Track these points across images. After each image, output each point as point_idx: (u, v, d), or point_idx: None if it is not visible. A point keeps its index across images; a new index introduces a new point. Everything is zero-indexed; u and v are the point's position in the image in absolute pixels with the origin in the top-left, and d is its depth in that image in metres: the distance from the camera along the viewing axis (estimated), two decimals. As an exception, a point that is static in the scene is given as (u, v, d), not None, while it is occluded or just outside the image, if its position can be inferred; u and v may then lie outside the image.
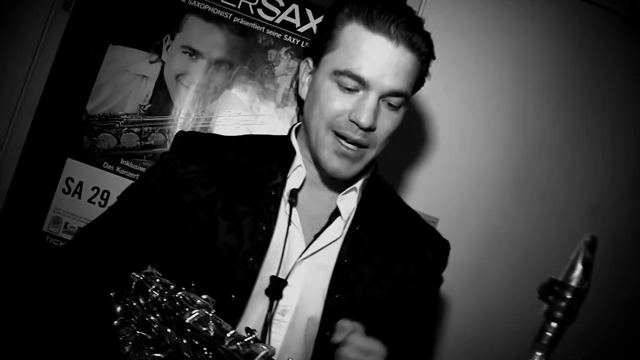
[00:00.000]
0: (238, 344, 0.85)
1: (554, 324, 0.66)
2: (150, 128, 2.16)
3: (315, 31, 2.19)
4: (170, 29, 2.16)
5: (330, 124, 1.10)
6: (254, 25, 2.19)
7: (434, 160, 2.33)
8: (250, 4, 2.19)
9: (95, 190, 2.15)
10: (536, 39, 2.37)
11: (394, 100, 1.09)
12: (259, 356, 0.83)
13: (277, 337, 1.14)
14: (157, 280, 0.99)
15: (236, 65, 2.19)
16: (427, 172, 2.33)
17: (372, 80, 1.05)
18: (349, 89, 1.07)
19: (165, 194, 1.17)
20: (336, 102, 1.08)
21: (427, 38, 1.12)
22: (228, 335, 0.86)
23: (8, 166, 2.13)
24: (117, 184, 2.14)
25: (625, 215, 2.48)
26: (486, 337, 2.38)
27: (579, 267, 0.67)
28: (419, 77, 1.15)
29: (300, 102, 1.23)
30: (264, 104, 2.20)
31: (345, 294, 1.14)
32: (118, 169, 2.15)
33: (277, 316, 1.13)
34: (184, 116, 2.16)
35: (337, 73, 1.08)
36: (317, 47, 1.15)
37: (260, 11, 2.19)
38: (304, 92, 1.18)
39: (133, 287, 0.99)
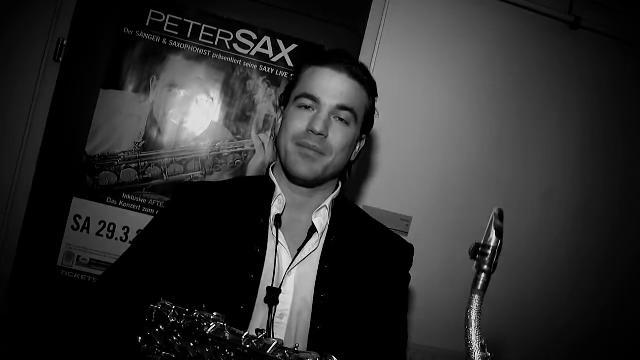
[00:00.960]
0: (253, 341, 1.05)
1: (483, 274, 0.87)
2: (147, 162, 2.36)
3: (287, 60, 2.42)
4: (155, 70, 2.35)
5: (293, 137, 1.32)
6: (231, 60, 2.40)
7: (404, 165, 2.59)
8: (226, 40, 2.39)
9: (102, 224, 2.35)
10: (488, 46, 2.64)
11: (343, 114, 1.32)
12: (272, 346, 1.03)
13: (279, 337, 1.30)
14: (173, 307, 1.17)
15: (219, 98, 2.39)
16: (399, 176, 2.59)
17: (322, 99, 1.30)
18: (306, 107, 1.32)
19: (172, 236, 1.36)
20: (297, 120, 1.32)
21: (365, 70, 1.37)
22: (243, 337, 1.06)
23: (19, 209, 2.30)
24: (121, 217, 2.35)
25: (576, 196, 2.79)
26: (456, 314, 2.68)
27: (493, 231, 0.87)
28: (367, 105, 1.40)
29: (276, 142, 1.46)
30: (247, 130, 2.42)
31: (328, 293, 1.34)
32: (121, 202, 2.35)
33: (276, 320, 1.33)
34: (176, 149, 2.37)
35: (297, 97, 1.33)
36: (286, 93, 1.41)
37: (235, 46, 2.40)
38: (277, 130, 1.42)
39: (154, 316, 1.17)
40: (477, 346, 0.85)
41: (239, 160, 2.42)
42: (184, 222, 1.36)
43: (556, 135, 2.75)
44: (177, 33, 2.36)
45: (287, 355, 1.02)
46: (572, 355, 2.84)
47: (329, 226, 1.41)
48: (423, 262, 2.62)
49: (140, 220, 2.37)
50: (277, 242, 1.34)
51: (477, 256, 0.88)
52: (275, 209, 1.37)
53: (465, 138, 2.65)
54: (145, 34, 2.34)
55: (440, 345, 2.63)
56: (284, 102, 1.42)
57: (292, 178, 1.37)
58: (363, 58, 2.48)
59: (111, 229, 2.36)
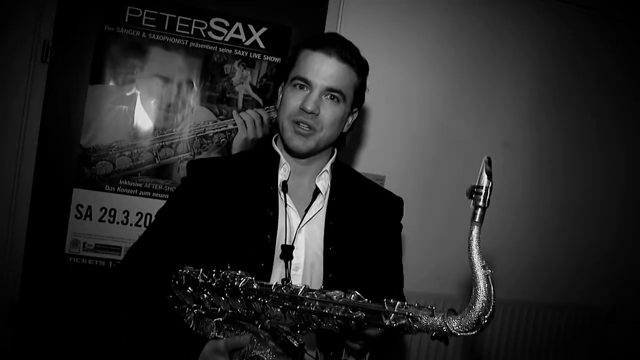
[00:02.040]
0: (282, 288, 1.22)
1: (479, 209, 1.05)
2: (139, 149, 2.53)
3: (259, 42, 2.62)
4: (138, 63, 2.51)
5: (289, 115, 1.46)
6: (207, 47, 2.58)
7: (376, 129, 2.82)
8: (200, 28, 2.57)
9: (103, 210, 2.52)
10: (444, 17, 2.89)
11: (333, 94, 1.45)
12: (301, 289, 1.20)
13: None
14: (201, 270, 1.33)
15: (199, 83, 2.58)
16: (371, 140, 2.81)
17: (313, 81, 1.44)
18: (300, 87, 1.47)
19: (191, 209, 1.51)
20: (292, 99, 1.46)
21: (356, 55, 1.50)
22: (272, 286, 1.23)
23: (23, 205, 2.44)
24: (120, 202, 2.53)
25: (527, 148, 3.08)
26: (431, 258, 2.96)
27: (485, 174, 1.05)
28: (356, 83, 1.52)
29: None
30: (228, 110, 2.61)
31: (335, 246, 1.51)
32: (119, 188, 2.52)
33: (292, 272, 1.47)
34: (165, 134, 2.55)
35: (293, 79, 1.47)
36: (285, 72, 1.57)
37: (210, 33, 2.58)
38: (278, 105, 1.57)
39: (183, 279, 1.34)
40: (479, 265, 1.03)
41: (223, 139, 2.62)
42: (200, 195, 1.51)
43: (509, 92, 3.03)
44: (154, 26, 2.52)
45: (315, 295, 1.18)
46: (529, 288, 3.15)
47: (330, 187, 1.58)
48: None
49: (138, 203, 2.55)
50: (286, 204, 1.50)
51: (473, 195, 1.06)
52: (281, 176, 1.53)
53: (429, 102, 2.90)
54: (125, 30, 2.49)
55: (415, 289, 2.87)
56: (283, 79, 1.56)
57: (289, 151, 1.53)
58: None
59: (112, 214, 2.53)
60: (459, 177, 2.94)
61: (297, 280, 1.47)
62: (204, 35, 2.57)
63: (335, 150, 1.63)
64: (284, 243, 1.47)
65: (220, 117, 2.61)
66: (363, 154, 2.81)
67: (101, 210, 2.52)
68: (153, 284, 1.44)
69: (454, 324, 1.04)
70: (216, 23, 2.58)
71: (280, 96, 1.56)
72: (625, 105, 3.25)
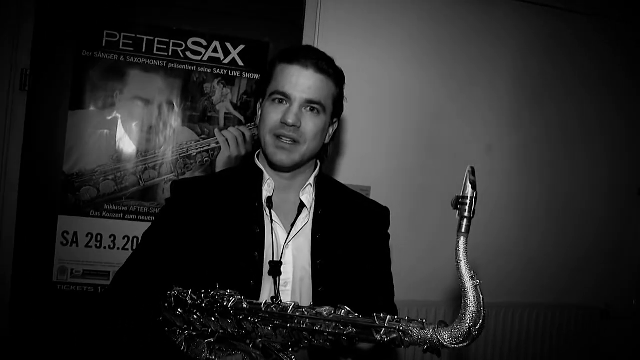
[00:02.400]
0: (272, 307, 1.20)
1: (465, 219, 1.05)
2: (122, 173, 2.52)
3: (237, 60, 2.63)
4: (117, 86, 2.52)
5: (270, 129, 1.45)
6: (186, 67, 2.58)
7: (358, 140, 2.82)
8: (178, 49, 2.57)
9: (89, 236, 2.51)
10: (421, 21, 2.90)
11: (313, 106, 1.46)
12: (290, 307, 1.18)
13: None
14: (189, 291, 1.31)
15: (180, 104, 2.58)
16: (354, 151, 2.82)
17: (292, 94, 1.44)
18: (279, 101, 1.45)
19: (175, 229, 1.51)
20: (272, 114, 1.45)
21: (333, 66, 1.51)
22: (262, 304, 1.21)
23: (8, 235, 2.43)
24: (106, 226, 2.52)
25: (512, 149, 3.10)
26: (421, 265, 2.95)
27: (469, 185, 1.04)
28: (335, 93, 1.53)
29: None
30: (210, 129, 2.61)
31: (323, 259, 1.51)
32: (104, 213, 2.52)
33: (281, 288, 1.47)
34: (147, 156, 2.54)
35: (272, 94, 1.47)
36: (262, 87, 1.56)
37: (188, 53, 2.59)
38: (257, 121, 1.57)
39: (172, 301, 1.33)
40: (468, 276, 1.03)
41: (207, 158, 2.61)
42: (185, 214, 1.50)
43: (491, 93, 3.05)
44: (132, 49, 2.53)
45: (305, 312, 1.17)
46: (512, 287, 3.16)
47: (315, 201, 1.58)
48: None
49: (124, 227, 2.54)
50: (272, 220, 1.50)
51: (458, 206, 1.06)
52: (266, 192, 1.53)
53: (410, 108, 2.91)
54: (103, 54, 2.50)
55: (404, 297, 2.86)
56: (261, 95, 1.55)
57: (274, 166, 1.53)
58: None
59: (98, 239, 2.52)
60: (446, 183, 2.95)
61: (286, 296, 1.49)
62: (182, 56, 2.58)
63: (318, 162, 1.64)
64: (271, 259, 1.48)
65: (203, 136, 2.61)
66: (346, 165, 2.81)
67: (87, 235, 2.51)
68: (142, 307, 1.43)
69: (445, 336, 1.04)
70: (194, 43, 2.59)
71: (260, 112, 1.55)
72: (606, 100, 3.27)
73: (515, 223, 3.12)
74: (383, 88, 2.86)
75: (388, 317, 1.11)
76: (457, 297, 2.98)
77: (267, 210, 1.51)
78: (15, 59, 2.42)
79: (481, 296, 1.02)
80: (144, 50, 2.54)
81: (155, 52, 2.55)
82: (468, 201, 1.05)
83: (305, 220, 1.55)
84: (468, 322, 1.01)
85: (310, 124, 1.46)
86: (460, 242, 1.06)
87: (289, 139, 1.45)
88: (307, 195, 1.56)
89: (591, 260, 3.26)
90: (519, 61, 3.09)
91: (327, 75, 1.48)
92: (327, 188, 1.63)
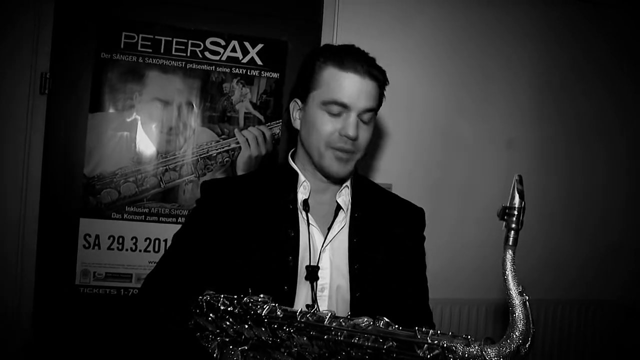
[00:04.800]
0: (307, 316, 1.15)
1: (512, 232, 1.00)
2: (143, 175, 2.52)
3: (256, 59, 2.62)
4: (136, 88, 2.51)
5: (327, 142, 1.41)
6: (204, 67, 2.57)
7: (378, 137, 2.80)
8: (197, 49, 2.56)
9: (111, 238, 2.50)
10: (439, 19, 2.88)
11: (366, 116, 1.43)
12: (327, 317, 1.14)
13: (323, 309, 1.43)
14: (222, 296, 1.27)
15: (199, 104, 2.57)
16: (374, 148, 2.81)
17: (351, 104, 1.38)
18: (335, 114, 1.40)
19: (207, 231, 1.46)
20: (328, 125, 1.40)
21: (381, 70, 1.46)
22: (297, 312, 1.16)
23: (30, 239, 2.43)
24: (127, 229, 2.51)
25: (531, 144, 3.07)
26: (442, 262, 2.93)
27: (517, 194, 1.00)
28: (380, 98, 1.49)
29: (293, 132, 1.59)
30: (230, 129, 2.60)
31: (360, 263, 1.48)
32: (125, 215, 2.51)
33: (318, 294, 1.45)
34: (168, 157, 2.54)
35: (325, 103, 1.40)
36: (302, 89, 1.50)
37: (207, 54, 2.58)
38: (297, 124, 1.53)
39: (204, 306, 1.30)
40: (516, 292, 0.98)
41: (227, 159, 2.60)
42: (217, 216, 1.47)
43: (509, 89, 3.02)
44: (151, 50, 2.52)
45: (343, 323, 1.12)
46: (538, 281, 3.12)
47: (352, 203, 1.54)
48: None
49: (145, 229, 2.53)
50: (308, 223, 1.47)
51: (505, 217, 1.01)
52: (301, 194, 1.50)
53: (429, 104, 2.89)
54: (121, 56, 2.49)
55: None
56: (299, 96, 1.50)
57: (329, 177, 1.49)
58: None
59: (120, 241, 2.51)
60: (465, 179, 2.95)
61: (323, 302, 1.47)
62: (200, 56, 2.57)
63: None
64: (308, 264, 1.45)
65: (223, 136, 2.60)
66: (367, 162, 2.79)
67: (109, 238, 2.50)
68: (174, 312, 1.40)
69: (492, 354, 0.99)
70: (212, 43, 2.58)
71: (300, 114, 1.51)
72: (624, 95, 3.23)
73: (537, 219, 3.07)
74: (401, 86, 2.82)
75: (431, 331, 1.06)
76: (480, 294, 2.97)
77: (303, 213, 1.48)
78: (34, 63, 2.41)
79: (530, 313, 0.98)
80: (162, 51, 2.53)
81: (173, 52, 2.54)
82: (516, 212, 1.00)
83: (342, 223, 1.52)
84: (517, 340, 0.97)
85: (366, 134, 1.45)
86: (507, 255, 1.01)
87: (349, 152, 1.42)
88: (344, 197, 1.53)
89: (616, 257, 3.22)
90: (536, 55, 3.06)
91: (378, 82, 1.45)
92: (363, 189, 1.60)
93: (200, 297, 1.31)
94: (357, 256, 1.50)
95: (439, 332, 1.05)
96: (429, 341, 1.04)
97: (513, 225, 1.00)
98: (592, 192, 3.19)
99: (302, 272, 1.45)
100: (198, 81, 2.57)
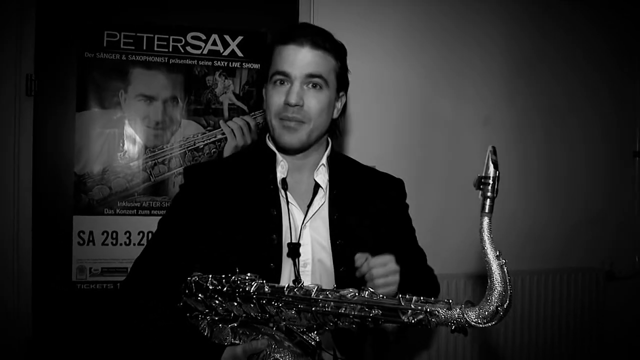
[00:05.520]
0: (295, 290, 1.21)
1: (488, 199, 1.06)
2: (132, 170, 2.56)
3: (237, 51, 2.68)
4: (121, 85, 2.55)
5: (276, 113, 1.45)
6: (187, 61, 2.63)
7: (359, 120, 2.87)
8: (178, 45, 2.61)
9: (105, 234, 2.54)
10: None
11: (313, 81, 1.45)
12: (314, 290, 1.20)
13: (306, 283, 1.45)
14: (210, 276, 1.33)
15: (184, 98, 2.62)
16: (355, 131, 2.87)
17: (292, 72, 1.43)
18: (281, 82, 1.45)
19: (191, 215, 1.50)
20: (275, 97, 1.45)
21: (329, 39, 1.50)
22: (285, 287, 1.22)
23: (25, 239, 2.46)
24: (120, 223, 2.56)
25: (507, 120, 3.17)
26: (430, 239, 3.00)
27: (491, 165, 1.05)
28: (336, 67, 1.51)
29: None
30: (215, 121, 2.66)
31: (342, 239, 1.52)
32: (117, 210, 2.55)
33: (301, 269, 1.48)
34: (156, 151, 2.59)
35: (271, 75, 1.47)
36: (263, 74, 1.55)
37: (188, 48, 2.63)
38: (265, 106, 1.57)
39: (193, 287, 1.33)
40: (493, 256, 1.04)
41: (214, 150, 2.66)
42: (200, 199, 1.51)
43: (484, 65, 3.11)
44: (133, 47, 2.56)
45: (329, 295, 1.18)
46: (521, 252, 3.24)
47: (330, 180, 1.57)
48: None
49: (138, 223, 2.58)
50: (288, 202, 1.51)
51: (481, 186, 1.06)
52: (280, 173, 1.53)
53: (407, 85, 2.96)
54: (105, 54, 2.53)
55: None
56: (264, 80, 1.55)
57: (282, 149, 1.52)
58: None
59: (114, 236, 2.56)
60: (446, 157, 3.03)
61: (306, 277, 1.50)
62: (182, 51, 2.62)
63: (330, 140, 1.63)
64: (290, 241, 1.48)
65: (208, 128, 2.65)
66: (349, 145, 2.86)
67: (103, 234, 2.55)
68: (162, 294, 1.44)
69: (472, 316, 1.05)
70: (193, 37, 2.63)
71: (265, 95, 1.55)
72: (595, 66, 3.34)
73: (515, 191, 3.16)
74: (379, 68, 2.90)
75: (413, 298, 1.11)
76: (467, 268, 3.06)
77: (282, 192, 1.51)
78: (19, 65, 2.44)
79: (507, 276, 1.04)
80: (144, 48, 2.58)
81: (155, 49, 2.59)
82: (491, 181, 1.05)
83: (322, 200, 1.55)
84: (495, 301, 1.03)
85: (314, 101, 1.45)
86: (484, 223, 1.06)
87: (294, 120, 1.45)
88: (322, 176, 1.56)
89: (594, 225, 3.33)
90: (509, 34, 3.15)
91: (324, 50, 1.47)
92: (341, 166, 1.63)
93: (188, 279, 1.37)
94: (339, 232, 1.53)
95: (422, 298, 1.12)
96: (413, 307, 1.10)
97: (489, 194, 1.06)
98: (568, 163, 3.29)
99: (285, 249, 1.49)
100: (181, 76, 2.62)
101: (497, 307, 1.03)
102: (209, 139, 2.65)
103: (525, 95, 3.20)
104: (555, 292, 3.16)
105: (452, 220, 3.00)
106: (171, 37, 2.61)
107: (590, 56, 3.33)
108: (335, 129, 1.64)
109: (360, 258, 1.42)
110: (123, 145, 2.56)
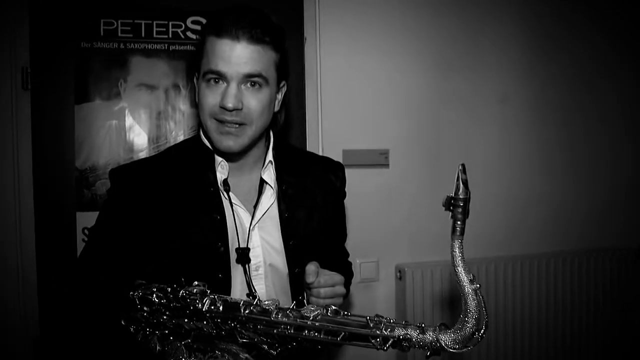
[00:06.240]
0: (251, 307, 1.10)
1: (458, 222, 0.99)
2: (136, 162, 2.47)
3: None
4: (120, 75, 2.45)
5: (210, 114, 1.32)
6: (188, 47, 2.52)
7: (372, 103, 2.77)
8: (178, 30, 2.51)
9: (110, 230, 2.45)
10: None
11: (253, 80, 1.31)
12: (273, 310, 1.09)
13: (260, 288, 1.42)
14: (154, 289, 1.20)
15: (186, 85, 2.52)
16: (369, 115, 2.77)
17: (227, 73, 1.28)
18: (215, 81, 1.30)
19: (123, 223, 1.37)
20: (209, 97, 1.31)
21: (267, 28, 1.31)
22: (240, 304, 1.11)
23: (28, 238, 2.38)
24: (126, 218, 2.45)
25: (527, 98, 3.03)
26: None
27: (461, 184, 0.99)
28: (276, 59, 1.36)
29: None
30: (220, 108, 2.55)
31: (295, 238, 1.45)
32: (122, 205, 2.46)
33: (253, 273, 1.41)
34: (160, 142, 2.49)
35: (204, 74, 1.31)
36: (196, 63, 1.38)
37: (189, 33, 2.52)
38: (197, 99, 1.42)
39: (137, 301, 1.20)
40: (467, 281, 0.99)
41: (220, 138, 2.55)
42: (131, 205, 1.38)
43: (501, 45, 2.98)
44: (131, 35, 2.46)
45: (290, 314, 1.08)
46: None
47: (277, 177, 1.48)
48: (406, 186, 2.82)
49: (144, 218, 2.47)
50: (232, 204, 1.40)
51: (451, 208, 1.00)
52: (220, 174, 1.42)
53: (420, 64, 2.85)
54: (102, 44, 2.44)
55: (434, 257, 2.83)
56: (196, 70, 1.40)
57: (221, 153, 1.40)
58: (307, 8, 2.66)
59: (120, 232, 2.46)
60: (462, 137, 2.90)
61: (259, 280, 1.43)
62: (183, 37, 2.52)
63: (271, 133, 1.53)
64: (237, 246, 1.39)
65: (213, 116, 2.54)
66: (362, 128, 2.77)
67: (108, 230, 2.45)
68: (100, 311, 1.33)
69: (447, 340, 1.00)
70: (193, 22, 2.53)
71: (197, 90, 1.39)
72: (615, 45, 3.20)
73: (537, 172, 3.05)
74: (392, 46, 2.79)
75: (383, 320, 1.04)
76: (485, 251, 2.94)
77: (225, 194, 1.40)
78: (14, 57, 2.36)
79: (482, 300, 0.99)
80: (143, 35, 2.47)
81: (155, 35, 2.49)
82: (461, 202, 0.99)
83: (272, 199, 1.46)
84: (471, 327, 0.99)
85: (254, 102, 1.32)
86: (455, 246, 1.00)
87: (233, 125, 1.32)
88: (269, 172, 1.47)
89: (619, 203, 3.21)
90: (527, 7, 3.02)
91: (263, 44, 1.31)
92: (287, 160, 1.53)
93: (131, 293, 1.22)
94: (291, 231, 1.45)
95: (392, 320, 1.05)
96: (384, 332, 1.03)
97: (459, 216, 0.99)
98: (591, 141, 3.16)
99: (233, 255, 1.39)
100: (183, 62, 2.52)
101: (473, 332, 1.00)
102: (215, 128, 2.54)
103: (546, 72, 3.08)
104: (582, 273, 3.06)
105: (471, 205, 2.87)
106: (170, 23, 2.50)
107: (612, 30, 3.19)
108: (275, 122, 1.52)
109: (312, 274, 1.35)
110: (125, 137, 2.47)
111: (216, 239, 1.37)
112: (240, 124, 1.32)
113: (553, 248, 3.04)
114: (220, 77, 1.30)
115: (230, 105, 1.28)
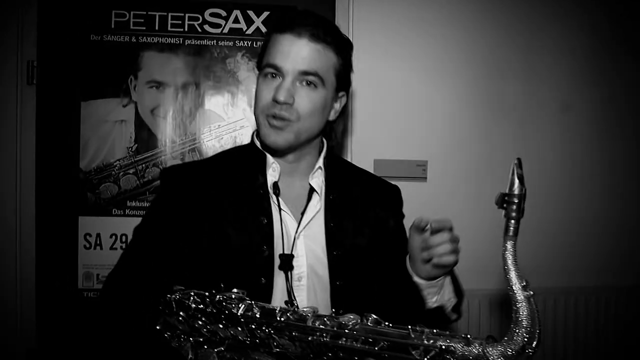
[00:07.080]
0: (287, 314, 1.05)
1: (512, 221, 0.92)
2: (144, 165, 2.30)
3: (262, 29, 2.36)
4: (131, 70, 2.30)
5: (262, 109, 1.31)
6: (205, 42, 2.33)
7: (409, 111, 2.51)
8: (195, 23, 2.32)
9: (114, 237, 2.30)
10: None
11: (308, 79, 1.31)
12: (310, 316, 1.03)
13: (302, 299, 1.36)
14: (192, 293, 1.16)
15: (202, 83, 2.33)
16: (406, 123, 2.50)
17: (284, 67, 1.28)
18: (272, 76, 1.30)
19: (171, 223, 1.35)
20: (264, 91, 1.31)
21: (332, 31, 1.34)
22: (277, 311, 1.06)
23: (28, 242, 2.28)
24: (130, 225, 2.22)
25: (593, 105, 2.66)
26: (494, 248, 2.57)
27: (516, 180, 0.91)
28: (337, 65, 1.37)
29: None
30: (237, 109, 2.35)
31: (339, 249, 1.39)
32: (127, 211, 2.31)
33: (295, 283, 1.36)
34: (169, 144, 2.31)
35: (263, 67, 1.33)
36: (259, 62, 1.39)
37: (206, 27, 2.33)
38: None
39: (174, 305, 1.17)
40: (519, 287, 0.91)
41: (239, 141, 2.36)
42: (180, 206, 1.36)
43: (563, 49, 2.62)
44: (144, 28, 2.30)
45: (327, 322, 1.03)
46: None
47: (326, 185, 1.44)
48: (447, 202, 2.52)
49: (151, 225, 2.31)
50: (280, 208, 1.37)
51: (505, 205, 0.93)
52: (271, 177, 1.39)
53: (466, 67, 2.54)
54: (112, 36, 2.29)
55: (475, 285, 2.49)
56: (258, 69, 1.41)
57: (268, 148, 1.38)
58: (339, 8, 2.42)
59: (123, 240, 2.31)
60: (514, 150, 2.55)
61: (301, 291, 1.37)
62: (199, 30, 2.33)
63: (325, 142, 1.49)
64: (282, 252, 1.34)
65: (229, 117, 2.35)
66: (399, 138, 2.50)
67: (111, 237, 2.30)
68: (140, 314, 1.27)
69: (494, 354, 0.91)
70: (211, 15, 2.34)
71: (256, 90, 1.40)
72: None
73: (602, 192, 2.67)
74: (434, 48, 2.50)
75: (425, 330, 0.97)
76: (540, 281, 2.59)
77: (274, 197, 1.37)
78: (20, 50, 2.25)
79: (535, 309, 0.92)
80: (157, 28, 2.31)
81: (169, 29, 2.32)
82: (516, 199, 0.92)
83: (317, 207, 1.42)
84: (521, 339, 0.91)
85: (305, 100, 1.32)
86: (508, 247, 0.93)
87: (280, 119, 1.31)
88: (318, 180, 1.43)
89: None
90: (594, 7, 2.65)
91: (324, 44, 1.32)
92: (337, 169, 1.50)
93: (169, 296, 1.18)
94: (335, 242, 1.41)
95: (435, 331, 0.98)
96: (425, 342, 0.96)
97: (513, 214, 0.93)
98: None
99: (277, 262, 1.35)
100: (199, 58, 2.34)
101: (524, 345, 0.91)
102: (230, 130, 2.34)
103: (615, 78, 2.66)
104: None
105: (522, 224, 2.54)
106: (187, 15, 2.33)
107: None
108: (330, 132, 1.50)
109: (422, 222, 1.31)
110: (133, 137, 2.30)
111: (262, 242, 1.35)
112: (287, 119, 1.31)
113: (622, 282, 2.68)
114: (277, 71, 1.31)
115: (282, 98, 1.28)
